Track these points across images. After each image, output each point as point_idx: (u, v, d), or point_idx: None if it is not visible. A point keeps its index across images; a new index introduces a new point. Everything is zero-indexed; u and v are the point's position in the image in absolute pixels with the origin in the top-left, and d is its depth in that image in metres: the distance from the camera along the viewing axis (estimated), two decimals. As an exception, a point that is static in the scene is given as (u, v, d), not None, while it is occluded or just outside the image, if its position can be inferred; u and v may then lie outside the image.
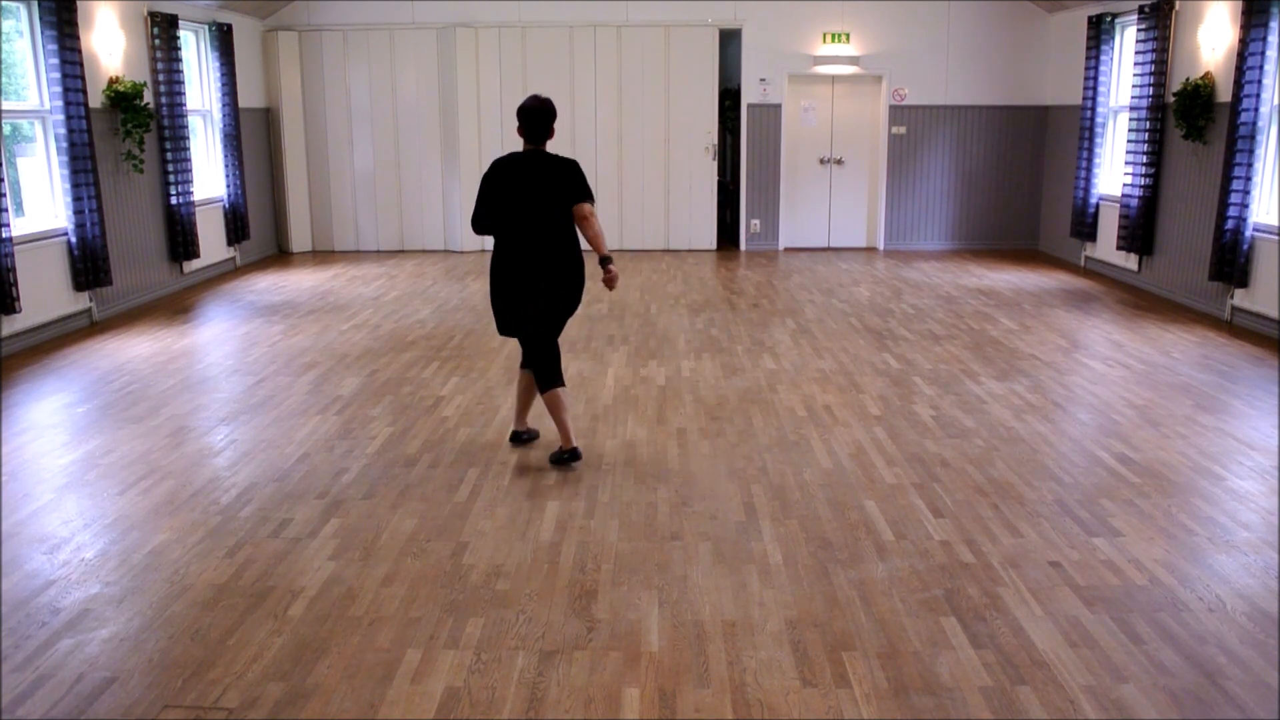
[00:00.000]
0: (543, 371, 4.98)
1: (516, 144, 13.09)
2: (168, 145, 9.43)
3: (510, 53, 11.93)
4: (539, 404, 5.36)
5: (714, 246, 12.40)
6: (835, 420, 5.71)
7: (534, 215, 4.81)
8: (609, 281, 4.83)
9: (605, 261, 4.79)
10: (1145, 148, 9.37)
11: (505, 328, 5.02)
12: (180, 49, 9.58)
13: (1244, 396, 6.13)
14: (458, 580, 3.81)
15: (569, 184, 4.83)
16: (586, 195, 4.86)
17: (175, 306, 9.07)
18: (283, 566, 3.93)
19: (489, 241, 12.30)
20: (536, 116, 4.84)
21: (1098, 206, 10.63)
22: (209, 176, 10.71)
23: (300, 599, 3.67)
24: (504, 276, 4.90)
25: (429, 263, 11.49)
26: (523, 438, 5.32)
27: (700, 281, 10.22)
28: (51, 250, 7.86)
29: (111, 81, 8.59)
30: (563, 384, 5.01)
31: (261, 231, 11.81)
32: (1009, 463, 5.02)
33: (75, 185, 7.94)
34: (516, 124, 4.92)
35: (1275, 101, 7.72)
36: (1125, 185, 9.74)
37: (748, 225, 12.44)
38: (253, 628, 3.47)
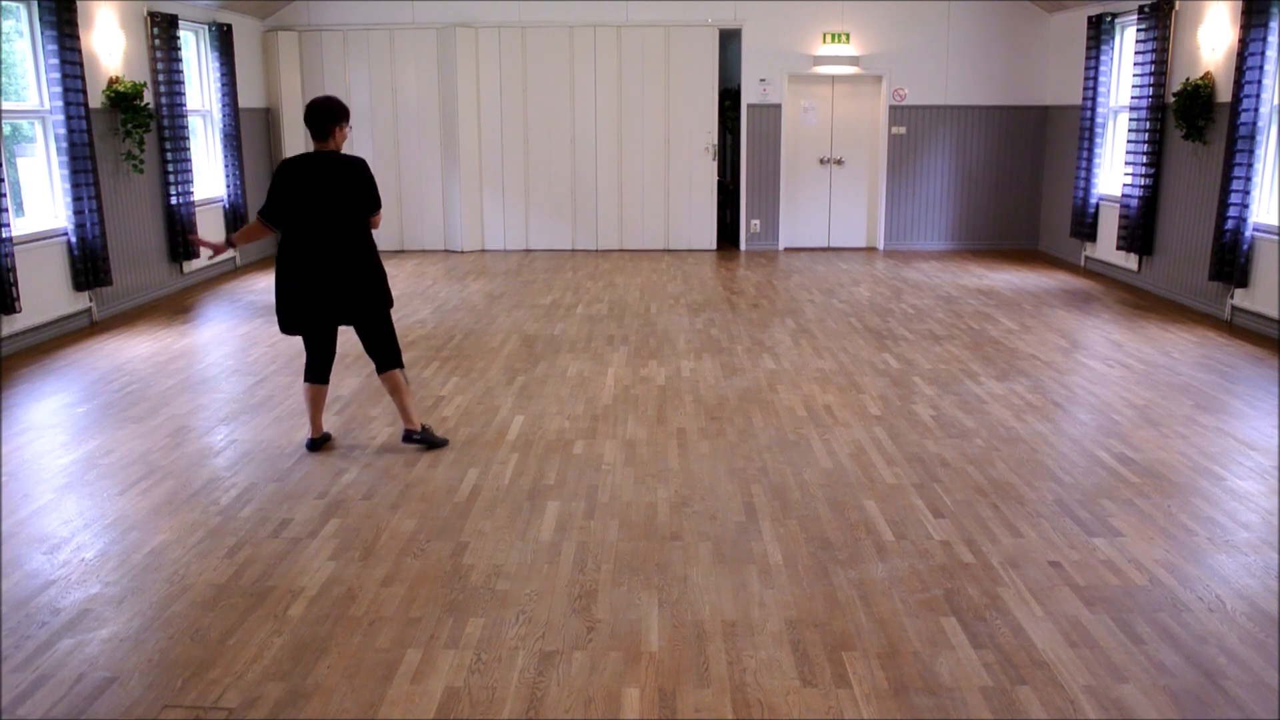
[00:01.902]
0: (384, 353, 5.16)
1: (516, 142, 12.99)
2: (168, 145, 9.43)
3: (510, 53, 11.93)
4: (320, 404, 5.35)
5: (714, 246, 12.40)
6: (835, 420, 5.71)
7: (326, 219, 4.91)
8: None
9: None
10: (1145, 148, 9.37)
11: (291, 325, 5.10)
12: (180, 49, 9.58)
13: (1244, 396, 6.13)
14: (458, 580, 3.81)
15: (362, 192, 4.94)
16: (378, 204, 5.02)
17: (175, 306, 9.07)
18: (283, 566, 3.93)
19: (489, 241, 12.32)
20: (322, 115, 4.89)
21: (1098, 206, 10.63)
22: (209, 176, 10.71)
23: (300, 599, 3.67)
24: (295, 278, 4.99)
25: (429, 263, 11.49)
26: (320, 443, 5.31)
27: (700, 281, 10.22)
28: (51, 250, 7.86)
29: (111, 81, 8.59)
30: (402, 365, 5.22)
31: (261, 231, 11.79)
32: (1009, 463, 5.02)
33: (75, 185, 7.94)
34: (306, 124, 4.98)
35: (1275, 101, 7.72)
36: (1125, 185, 9.74)
37: (748, 225, 12.44)
38: (253, 628, 3.47)
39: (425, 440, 5.25)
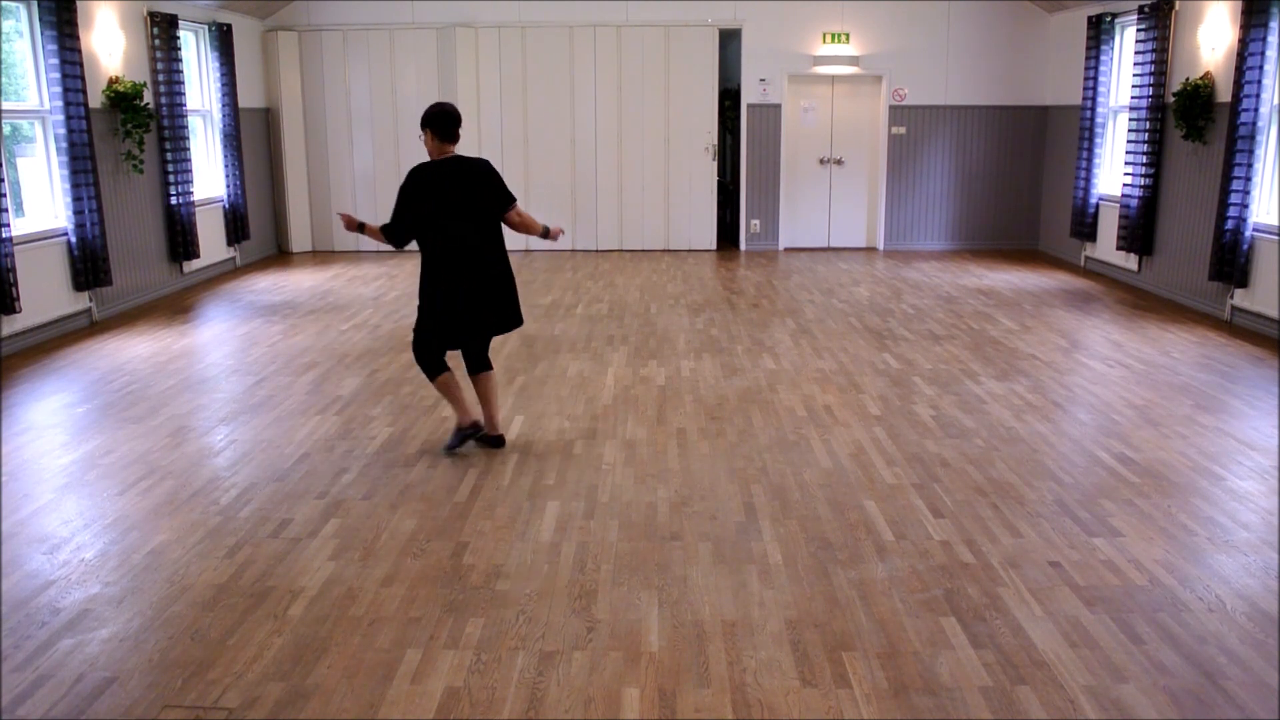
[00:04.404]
0: (485, 357, 5.24)
1: (516, 142, 12.96)
2: (168, 145, 9.43)
3: (510, 53, 11.93)
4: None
5: (714, 246, 12.40)
6: (835, 420, 5.71)
7: (472, 225, 4.94)
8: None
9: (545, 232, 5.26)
10: (1145, 148, 9.37)
11: (444, 342, 5.11)
12: (180, 49, 9.58)
13: (1244, 396, 6.13)
14: (458, 580, 3.81)
15: (497, 192, 5.01)
16: (513, 198, 5.08)
17: (175, 306, 9.07)
18: (283, 566, 3.93)
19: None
20: (455, 119, 5.01)
21: (1098, 206, 10.63)
22: (209, 176, 10.71)
23: (300, 599, 3.67)
24: (444, 290, 4.96)
25: (429, 263, 11.47)
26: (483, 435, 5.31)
27: (700, 281, 10.22)
28: (51, 250, 7.86)
29: (111, 81, 8.59)
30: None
31: (261, 231, 11.81)
32: (1009, 463, 5.02)
33: (75, 185, 7.94)
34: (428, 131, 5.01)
35: (1275, 101, 7.71)
36: (1125, 185, 9.74)
37: (748, 225, 12.44)
38: (253, 628, 3.47)
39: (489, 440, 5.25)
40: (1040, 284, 10.03)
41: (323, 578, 3.83)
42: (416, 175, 4.96)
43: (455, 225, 4.90)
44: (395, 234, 4.98)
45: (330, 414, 5.86)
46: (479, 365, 5.21)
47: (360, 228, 5.06)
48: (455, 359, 5.34)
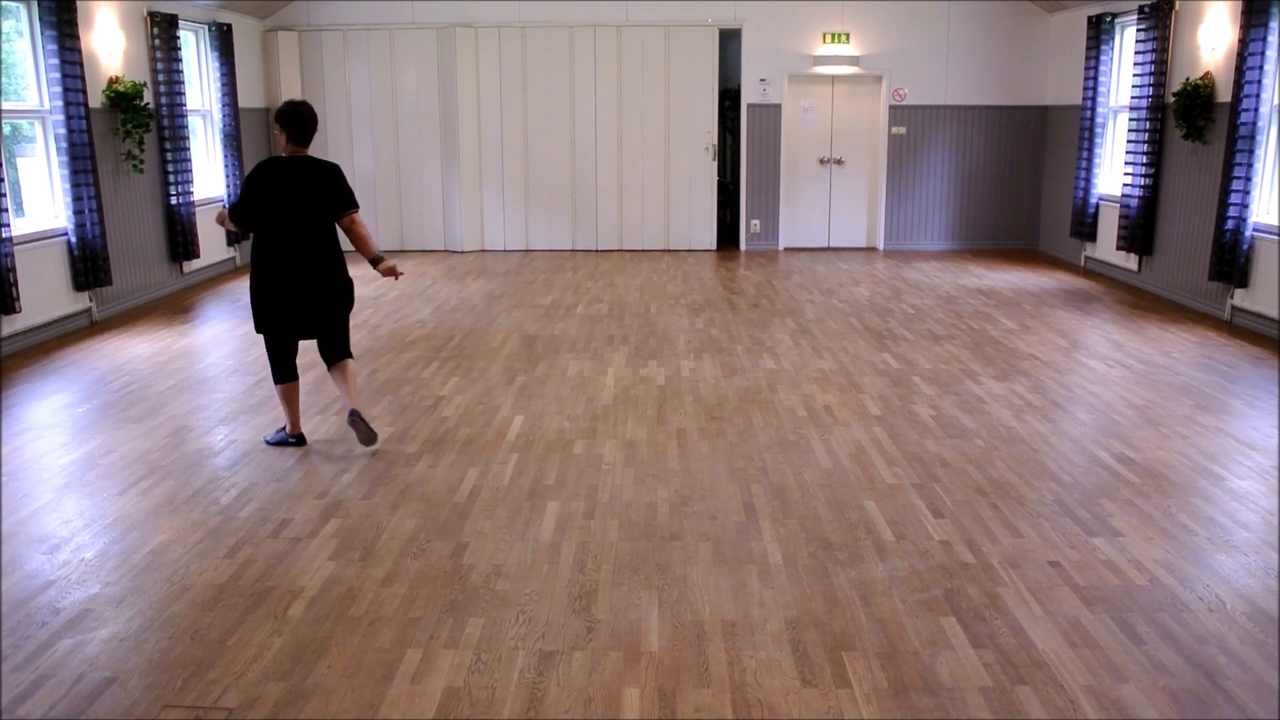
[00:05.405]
0: (341, 348, 5.28)
1: (516, 142, 12.97)
2: (168, 145, 9.43)
3: (510, 53, 11.93)
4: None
5: (714, 246, 12.40)
6: (835, 420, 5.71)
7: (308, 224, 5.03)
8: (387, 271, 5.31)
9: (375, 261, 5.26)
10: (1145, 148, 9.37)
11: (264, 328, 5.19)
12: (180, 49, 9.58)
13: (1244, 396, 6.13)
14: (458, 580, 3.81)
15: (341, 195, 5.08)
16: (356, 205, 5.18)
17: (175, 306, 9.07)
18: (283, 566, 3.93)
19: (489, 241, 12.33)
20: (310, 121, 5.04)
21: (1098, 206, 10.63)
22: (209, 176, 10.71)
23: (300, 599, 3.67)
24: (271, 282, 5.05)
25: (429, 263, 11.49)
26: (291, 442, 5.32)
27: (700, 281, 10.22)
28: (51, 250, 7.86)
29: (111, 81, 8.59)
30: (351, 354, 5.34)
31: (261, 231, 11.79)
32: (1009, 463, 5.02)
33: (75, 185, 7.94)
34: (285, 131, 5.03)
35: (1275, 101, 7.71)
36: (1125, 185, 9.74)
37: (748, 225, 12.44)
38: (253, 628, 3.47)
39: (364, 426, 5.15)
40: (1040, 284, 10.03)
41: (323, 578, 3.83)
42: (263, 166, 5.06)
43: (289, 220, 4.99)
44: (239, 219, 5.13)
45: (330, 414, 5.86)
46: (331, 356, 5.28)
47: (222, 220, 5.28)
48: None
